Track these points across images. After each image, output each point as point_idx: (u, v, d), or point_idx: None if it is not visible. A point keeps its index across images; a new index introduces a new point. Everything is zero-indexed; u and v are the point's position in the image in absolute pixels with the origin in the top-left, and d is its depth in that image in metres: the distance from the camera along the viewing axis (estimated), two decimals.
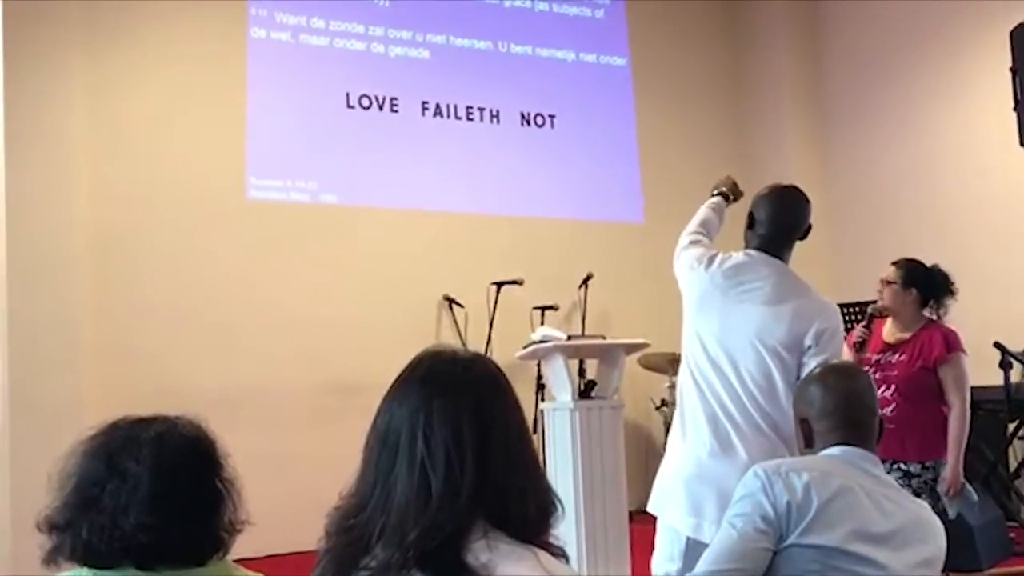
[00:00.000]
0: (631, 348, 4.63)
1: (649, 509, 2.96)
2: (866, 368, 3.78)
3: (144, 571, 1.51)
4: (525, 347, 4.54)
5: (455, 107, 7.08)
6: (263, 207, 6.36)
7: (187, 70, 6.23)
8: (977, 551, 4.70)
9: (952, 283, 3.96)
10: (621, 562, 4.18)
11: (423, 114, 6.97)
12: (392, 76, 6.90)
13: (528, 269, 6.67)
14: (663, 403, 6.84)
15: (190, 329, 5.98)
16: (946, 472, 3.80)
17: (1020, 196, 6.46)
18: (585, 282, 6.97)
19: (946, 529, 2.04)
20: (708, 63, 8.08)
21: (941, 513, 3.68)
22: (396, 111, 6.88)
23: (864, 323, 4.00)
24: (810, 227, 2.98)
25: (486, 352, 5.78)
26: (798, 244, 2.97)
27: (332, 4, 6.77)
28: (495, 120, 7.22)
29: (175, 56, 6.21)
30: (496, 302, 6.58)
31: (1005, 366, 5.55)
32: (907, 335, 3.95)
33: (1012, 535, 5.30)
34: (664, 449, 3.05)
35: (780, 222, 2.92)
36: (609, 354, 4.48)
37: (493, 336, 6.43)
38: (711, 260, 2.93)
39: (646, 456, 6.90)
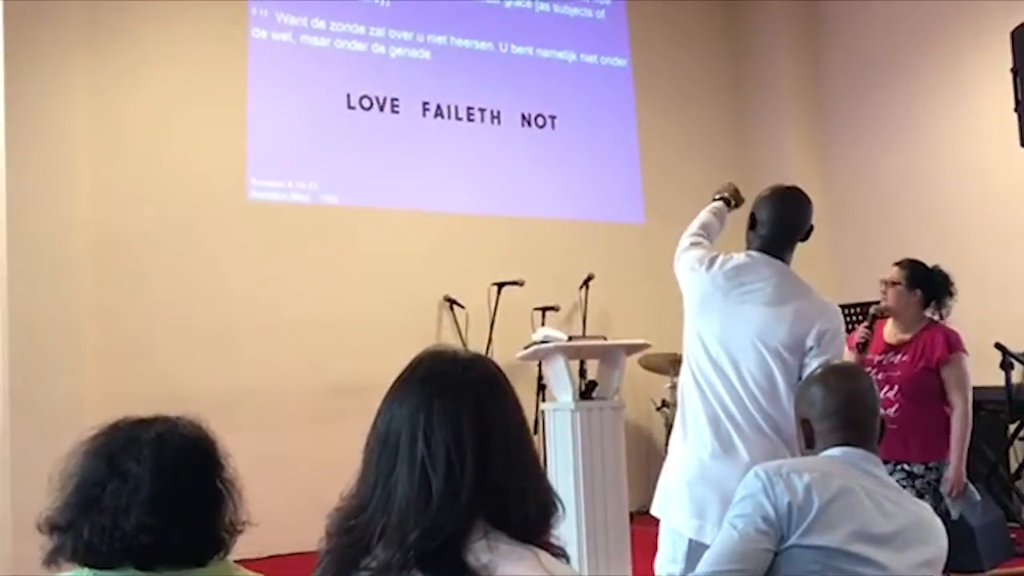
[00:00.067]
0: (632, 349, 4.63)
1: (652, 511, 2.96)
2: (868, 369, 3.79)
3: (145, 571, 1.51)
4: (526, 348, 4.54)
5: (456, 108, 7.08)
6: (264, 207, 6.36)
7: (188, 70, 6.24)
8: (978, 552, 4.70)
9: (952, 283, 3.97)
10: (622, 563, 4.17)
11: (424, 115, 6.97)
12: (393, 77, 6.90)
13: (529, 270, 6.67)
14: (664, 404, 6.84)
15: (191, 329, 5.98)
16: (949, 472, 3.80)
17: (1020, 197, 6.46)
18: (586, 283, 6.97)
19: (947, 530, 2.04)
20: (708, 64, 8.08)
21: (944, 514, 3.68)
22: (397, 112, 6.88)
23: (866, 324, 4.00)
24: (812, 228, 2.98)
25: (487, 353, 5.77)
26: (799, 245, 2.98)
27: (333, 5, 6.77)
28: (496, 121, 7.23)
29: (176, 56, 6.21)
30: (497, 303, 6.58)
31: (1006, 367, 5.55)
32: (908, 336, 3.95)
33: (1013, 536, 5.30)
34: (665, 450, 3.05)
35: (782, 223, 2.93)
36: (610, 355, 4.48)
37: (494, 337, 6.43)
38: (712, 261, 2.93)
39: (647, 457, 6.90)
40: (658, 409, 6.98)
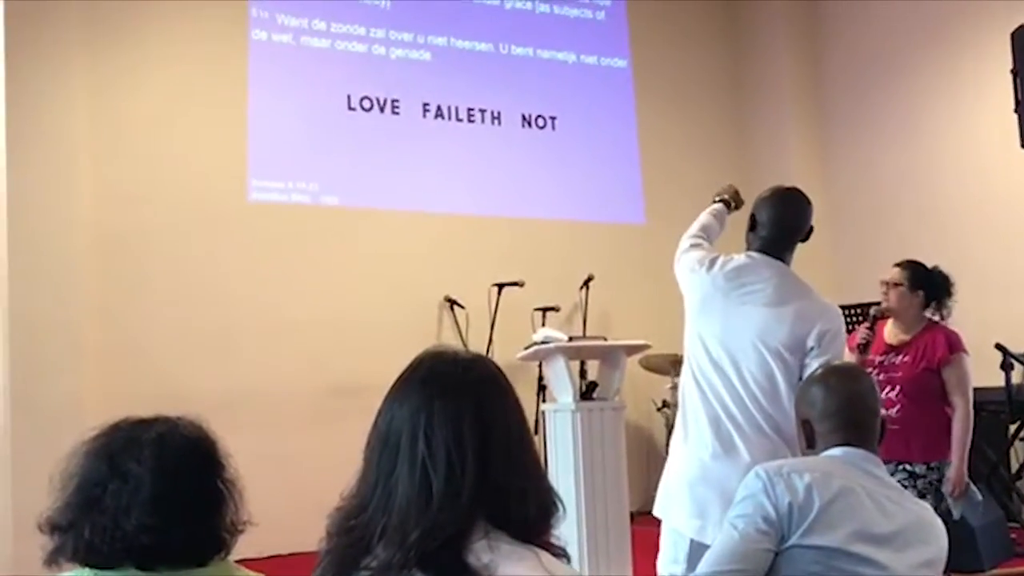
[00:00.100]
0: (632, 349, 4.63)
1: (654, 512, 2.97)
2: (869, 370, 3.79)
3: (145, 572, 1.51)
4: (526, 348, 4.54)
5: (456, 109, 7.08)
6: (264, 208, 6.36)
7: (188, 71, 6.24)
8: (979, 552, 4.70)
9: (952, 284, 3.97)
10: (622, 563, 4.17)
11: (424, 116, 6.97)
12: (393, 78, 6.90)
13: (529, 270, 6.67)
14: (664, 404, 6.84)
15: (191, 330, 5.98)
16: (951, 472, 3.81)
17: (1021, 197, 6.46)
18: (586, 283, 6.97)
19: (948, 530, 2.04)
20: (709, 64, 8.08)
21: (946, 514, 3.69)
22: (397, 113, 6.88)
23: (868, 325, 4.00)
24: (812, 229, 2.99)
25: (487, 353, 5.77)
26: (799, 246, 2.98)
27: (333, 6, 6.77)
28: (496, 122, 7.23)
29: (176, 57, 6.21)
30: (497, 303, 6.58)
31: (1006, 367, 5.55)
32: (908, 336, 3.96)
33: (1013, 536, 5.29)
34: (665, 450, 3.05)
35: (782, 224, 2.93)
36: (610, 355, 4.48)
37: (494, 337, 6.43)
38: (712, 262, 2.93)
39: (647, 457, 6.89)
40: (659, 410, 6.98)
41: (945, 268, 4.02)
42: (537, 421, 5.39)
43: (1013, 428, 5.80)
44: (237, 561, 1.64)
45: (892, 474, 3.59)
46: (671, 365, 6.37)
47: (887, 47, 7.43)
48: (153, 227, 6.00)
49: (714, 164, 7.53)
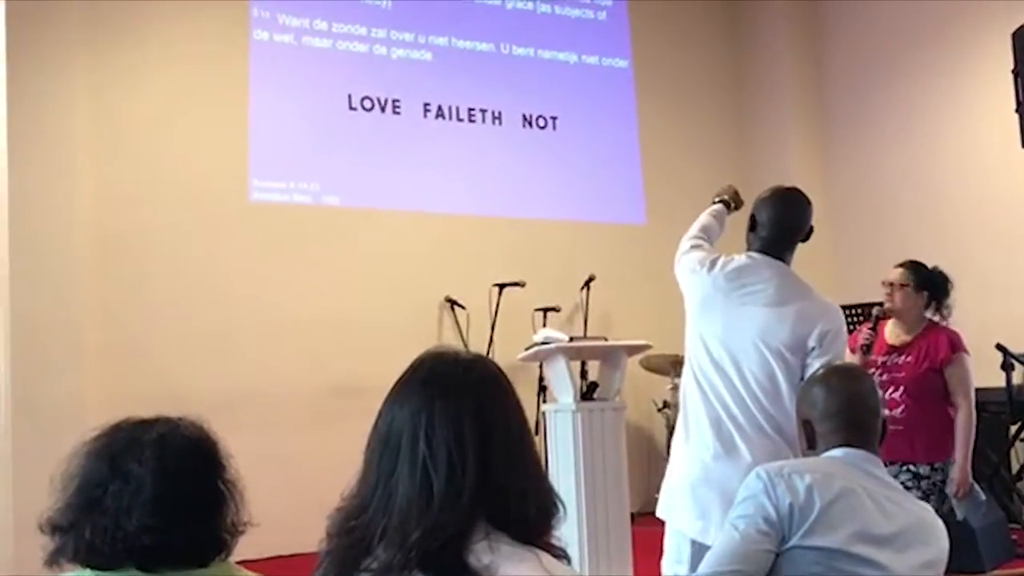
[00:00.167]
0: (633, 350, 4.63)
1: (658, 513, 2.98)
2: (872, 370, 3.80)
3: (147, 572, 1.51)
4: (527, 349, 4.53)
5: (457, 109, 7.08)
6: (265, 208, 6.36)
7: (189, 71, 6.24)
8: (979, 553, 4.69)
9: (951, 284, 3.98)
10: (623, 564, 4.17)
11: (425, 116, 6.97)
12: (394, 78, 6.90)
13: (530, 271, 6.67)
14: (665, 405, 6.83)
15: (192, 330, 5.98)
16: (955, 472, 3.81)
17: (1021, 198, 6.46)
18: (587, 284, 6.97)
19: (949, 531, 2.04)
20: (710, 65, 8.08)
21: (949, 514, 3.69)
22: (398, 113, 6.88)
23: (870, 325, 4.00)
24: (812, 229, 2.99)
25: (488, 354, 5.78)
26: (799, 246, 2.98)
27: (334, 6, 6.77)
28: (497, 122, 7.23)
29: (177, 56, 6.21)
30: (498, 304, 6.58)
31: (1007, 368, 5.54)
32: (910, 337, 3.96)
33: (1014, 537, 5.29)
34: (666, 451, 3.05)
35: (782, 224, 2.93)
36: (611, 356, 4.47)
37: (495, 338, 6.43)
38: (713, 263, 2.93)
39: (648, 458, 6.89)
40: (659, 410, 6.98)
41: (945, 268, 4.02)
42: (538, 421, 5.39)
43: (1014, 429, 5.80)
44: (238, 562, 1.64)
45: (896, 475, 3.60)
46: (672, 366, 6.36)
47: (888, 47, 7.43)
48: (154, 227, 6.00)
49: (715, 164, 7.52)
